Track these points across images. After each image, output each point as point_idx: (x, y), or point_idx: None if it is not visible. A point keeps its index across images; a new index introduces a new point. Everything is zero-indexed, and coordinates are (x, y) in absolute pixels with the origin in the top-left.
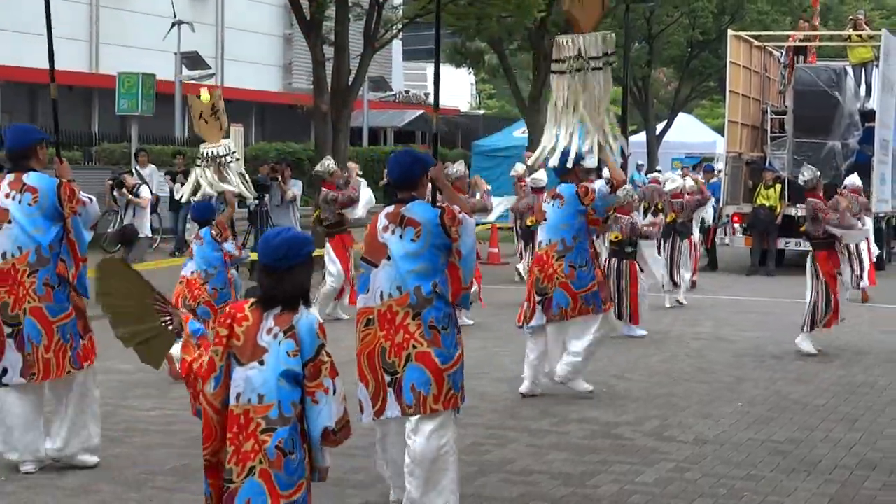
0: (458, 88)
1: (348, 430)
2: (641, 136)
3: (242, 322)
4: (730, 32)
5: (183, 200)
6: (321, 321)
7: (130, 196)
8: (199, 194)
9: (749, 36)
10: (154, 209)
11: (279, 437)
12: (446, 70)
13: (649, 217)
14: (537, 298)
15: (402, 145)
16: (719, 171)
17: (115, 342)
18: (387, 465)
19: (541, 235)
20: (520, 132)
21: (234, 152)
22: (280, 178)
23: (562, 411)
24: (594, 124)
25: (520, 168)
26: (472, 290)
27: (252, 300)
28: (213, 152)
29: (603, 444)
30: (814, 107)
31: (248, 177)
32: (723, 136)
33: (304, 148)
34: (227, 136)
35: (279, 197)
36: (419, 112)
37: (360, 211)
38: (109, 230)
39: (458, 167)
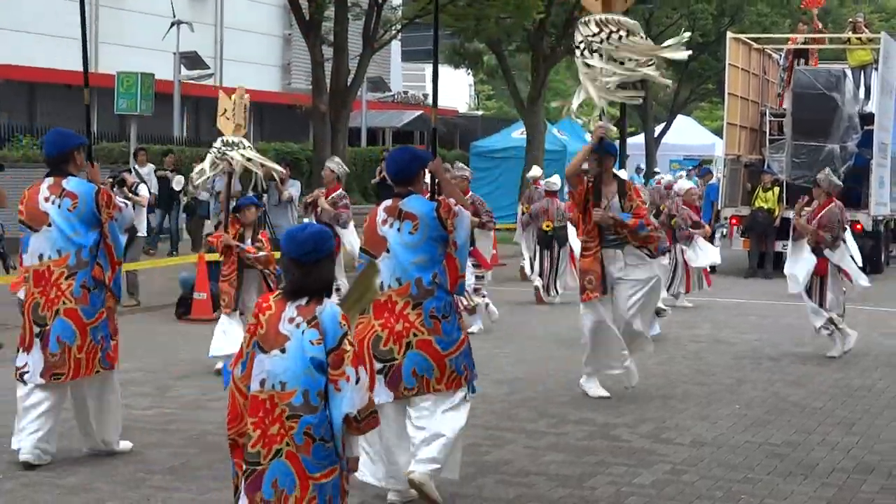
0: (457, 89)
1: (375, 419)
2: (640, 139)
3: (266, 311)
4: (729, 35)
5: (197, 182)
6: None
7: (130, 194)
8: (217, 169)
9: (748, 38)
10: (152, 208)
11: (307, 424)
12: (445, 71)
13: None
14: None
15: (401, 146)
16: (717, 174)
17: None
18: (380, 459)
19: None
20: (518, 133)
21: (250, 146)
22: (278, 179)
23: (559, 413)
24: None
25: (536, 171)
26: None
27: (279, 291)
28: (233, 140)
29: (600, 445)
30: (812, 109)
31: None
32: (721, 138)
33: (302, 148)
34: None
35: (277, 197)
36: (418, 113)
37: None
38: None
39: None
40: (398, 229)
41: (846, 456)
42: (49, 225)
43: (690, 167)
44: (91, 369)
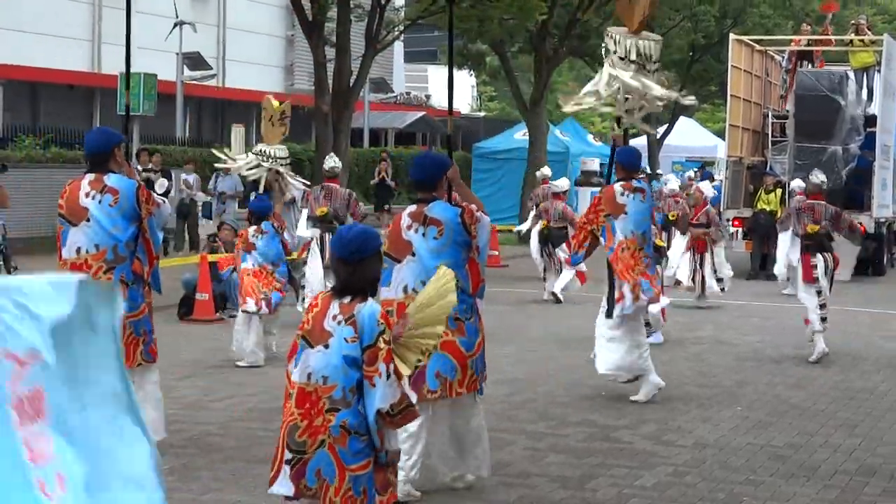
0: (459, 91)
1: (412, 412)
2: (642, 140)
3: (313, 309)
4: (732, 36)
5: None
6: (384, 310)
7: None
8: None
9: (751, 40)
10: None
11: (343, 418)
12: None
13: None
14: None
15: (403, 147)
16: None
17: None
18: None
19: (620, 228)
20: (520, 134)
21: (287, 157)
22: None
23: (560, 414)
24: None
25: (546, 171)
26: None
27: (329, 289)
28: (274, 152)
29: (601, 447)
30: (815, 111)
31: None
32: (724, 140)
33: (304, 149)
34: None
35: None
36: (420, 114)
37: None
38: None
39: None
40: (423, 234)
41: (848, 458)
42: (88, 220)
43: (695, 169)
44: (133, 361)
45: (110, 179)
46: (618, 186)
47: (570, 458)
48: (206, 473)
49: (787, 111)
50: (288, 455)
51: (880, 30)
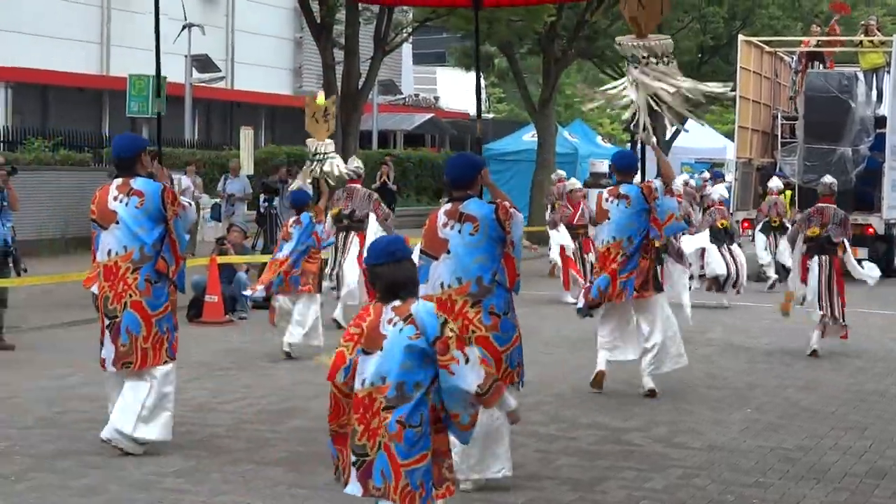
0: (468, 92)
1: (499, 388)
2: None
3: (366, 318)
4: (740, 38)
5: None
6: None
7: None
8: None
9: (760, 41)
10: None
11: (400, 413)
12: (456, 74)
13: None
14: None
15: (412, 149)
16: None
17: None
18: None
19: (603, 234)
20: (529, 136)
21: (332, 152)
22: (290, 181)
23: (570, 416)
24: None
25: (561, 172)
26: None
27: (374, 300)
28: (323, 149)
29: (612, 449)
30: (825, 113)
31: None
32: (733, 141)
33: None
34: (332, 137)
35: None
36: (429, 115)
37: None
38: None
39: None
40: (459, 231)
41: (858, 460)
42: (117, 223)
43: (705, 170)
44: (159, 359)
45: (136, 183)
46: (605, 192)
47: (580, 461)
48: (215, 475)
49: (797, 112)
50: (353, 458)
51: (890, 31)
